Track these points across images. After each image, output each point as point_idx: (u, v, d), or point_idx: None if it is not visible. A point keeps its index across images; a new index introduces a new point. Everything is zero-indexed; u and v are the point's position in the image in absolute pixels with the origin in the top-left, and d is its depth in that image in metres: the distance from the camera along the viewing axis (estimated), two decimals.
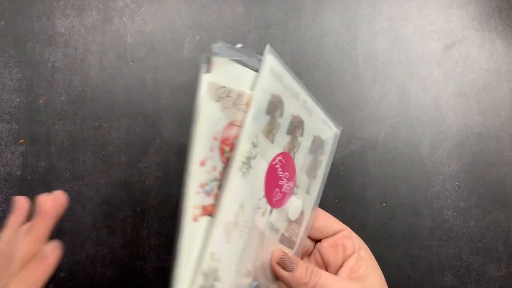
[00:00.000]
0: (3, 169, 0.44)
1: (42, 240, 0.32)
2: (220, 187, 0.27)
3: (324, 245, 0.34)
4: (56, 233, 0.44)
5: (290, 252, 0.31)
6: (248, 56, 0.28)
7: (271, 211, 0.30)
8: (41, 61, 0.46)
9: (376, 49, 0.46)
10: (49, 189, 0.44)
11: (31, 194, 0.44)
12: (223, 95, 0.28)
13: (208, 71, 0.27)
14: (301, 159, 0.32)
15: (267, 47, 0.29)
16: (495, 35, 0.46)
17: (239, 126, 0.28)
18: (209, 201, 0.27)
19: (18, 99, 0.45)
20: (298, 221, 0.32)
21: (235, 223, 0.27)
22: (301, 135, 0.32)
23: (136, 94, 0.45)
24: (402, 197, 0.44)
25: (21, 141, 0.45)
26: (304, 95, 0.32)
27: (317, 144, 0.33)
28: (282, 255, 0.30)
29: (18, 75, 0.46)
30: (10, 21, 0.46)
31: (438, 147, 0.45)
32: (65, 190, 0.44)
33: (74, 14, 0.46)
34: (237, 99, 0.28)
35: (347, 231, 0.35)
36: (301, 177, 0.32)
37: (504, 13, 0.46)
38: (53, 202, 0.31)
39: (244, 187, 0.28)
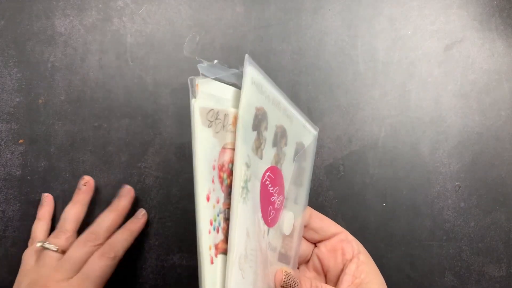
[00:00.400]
0: (2, 169, 0.44)
1: (123, 214, 0.41)
2: (225, 219, 0.25)
3: (322, 250, 0.34)
4: None
5: (291, 271, 0.29)
6: (226, 72, 0.27)
7: (268, 231, 0.28)
8: (41, 61, 0.46)
9: (376, 49, 0.46)
10: (49, 189, 0.44)
11: (31, 194, 0.44)
12: (213, 118, 0.25)
13: (194, 94, 0.25)
14: (287, 169, 0.30)
15: (246, 57, 0.27)
16: (496, 35, 0.46)
17: (231, 148, 0.26)
18: (219, 237, 0.25)
19: (17, 99, 0.45)
20: (290, 234, 0.30)
21: (246, 255, 0.25)
22: (286, 144, 0.30)
23: (136, 94, 0.45)
24: (402, 197, 0.44)
25: (21, 141, 0.45)
26: (284, 102, 0.29)
27: (298, 151, 0.31)
28: (286, 277, 0.28)
29: (18, 75, 0.45)
30: (10, 21, 0.46)
31: (438, 147, 0.44)
32: (65, 190, 0.44)
33: (74, 14, 0.46)
34: (224, 120, 0.26)
35: (344, 234, 0.34)
36: (289, 188, 0.30)
37: (504, 13, 0.46)
38: (130, 191, 0.42)
39: (247, 214, 0.26)
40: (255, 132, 0.27)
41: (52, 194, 0.44)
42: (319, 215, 0.34)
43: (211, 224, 0.24)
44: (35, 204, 0.44)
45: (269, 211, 0.28)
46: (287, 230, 0.30)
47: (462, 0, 0.46)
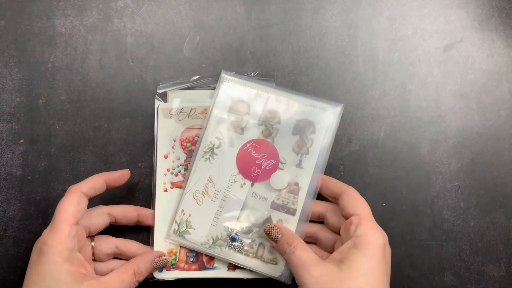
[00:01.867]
0: (3, 169, 0.44)
1: None
2: (185, 170, 0.43)
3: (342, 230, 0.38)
4: None
5: (278, 225, 0.40)
6: (197, 83, 0.44)
7: (252, 184, 0.42)
8: (41, 61, 0.46)
9: (376, 49, 0.46)
10: (49, 189, 0.44)
11: (32, 194, 0.44)
12: (175, 112, 0.43)
13: (164, 101, 0.44)
14: (283, 141, 0.42)
15: (222, 73, 0.43)
16: (495, 35, 0.46)
17: (198, 128, 0.43)
18: (178, 179, 0.43)
19: (18, 99, 0.45)
20: (293, 191, 0.41)
21: (204, 192, 0.42)
22: (278, 123, 0.42)
23: (137, 94, 0.45)
24: (402, 197, 0.44)
25: (21, 141, 0.45)
26: (274, 92, 0.43)
27: (302, 126, 0.42)
28: (266, 228, 0.39)
29: (18, 75, 0.46)
30: (10, 21, 0.46)
31: (438, 147, 0.45)
32: (65, 190, 0.44)
33: (74, 14, 0.46)
34: (190, 112, 0.43)
35: (347, 192, 0.39)
36: (286, 155, 0.42)
37: (504, 13, 0.46)
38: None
39: (210, 168, 0.42)
40: (233, 115, 0.43)
41: (52, 194, 0.44)
42: (329, 178, 0.41)
43: (167, 170, 0.43)
44: (36, 204, 0.44)
45: (252, 170, 0.42)
46: (275, 185, 0.41)
47: (461, 1, 0.46)
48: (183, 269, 0.42)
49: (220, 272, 0.42)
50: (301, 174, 0.41)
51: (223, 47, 0.46)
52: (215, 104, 0.42)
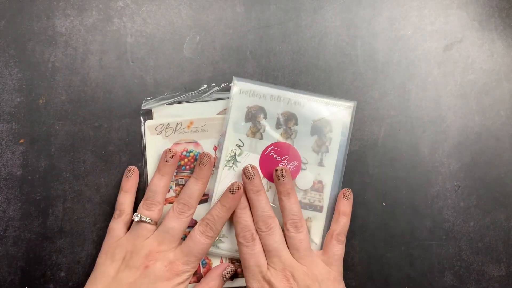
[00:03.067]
0: (3, 168, 0.44)
1: (207, 181, 0.43)
2: (177, 184, 0.44)
3: None
4: (57, 233, 0.44)
5: (252, 165, 0.42)
6: (181, 98, 0.45)
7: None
8: (41, 61, 0.46)
9: (376, 49, 0.46)
10: (49, 189, 0.44)
11: (32, 193, 0.44)
12: (161, 129, 0.44)
13: (150, 118, 0.44)
14: (302, 142, 0.43)
15: (233, 79, 0.44)
16: (495, 35, 0.46)
17: (185, 143, 0.44)
18: (170, 194, 0.44)
19: (18, 99, 0.45)
20: (318, 189, 0.43)
21: None
22: (296, 124, 0.43)
23: (136, 94, 0.45)
24: (402, 197, 0.44)
25: (21, 141, 0.45)
26: (288, 94, 0.44)
27: (319, 126, 0.43)
28: (244, 168, 0.42)
29: (18, 75, 0.46)
30: (11, 21, 0.46)
31: (438, 147, 0.45)
32: (65, 190, 0.44)
33: (74, 14, 0.46)
34: (176, 127, 0.44)
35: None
36: (307, 155, 0.43)
37: (504, 13, 0.46)
38: (210, 157, 0.43)
39: (234, 175, 0.43)
40: (250, 123, 0.43)
41: (52, 194, 0.44)
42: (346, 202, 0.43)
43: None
44: (36, 203, 0.44)
45: None
46: (303, 185, 0.43)
47: (461, 1, 0.46)
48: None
49: None
50: (323, 172, 0.43)
51: (223, 47, 0.46)
52: (231, 112, 0.43)
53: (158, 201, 0.41)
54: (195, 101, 0.45)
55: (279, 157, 0.43)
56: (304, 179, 0.43)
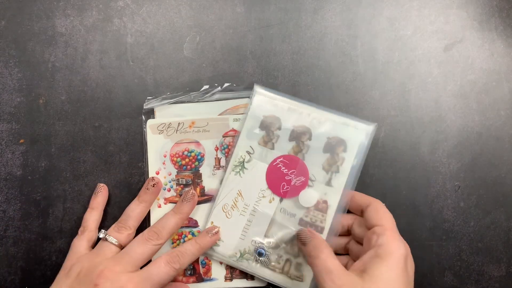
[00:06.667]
0: (3, 169, 0.44)
1: (186, 218, 0.42)
2: (178, 184, 0.44)
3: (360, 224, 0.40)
4: (57, 233, 0.44)
5: (310, 230, 0.39)
6: (183, 98, 0.45)
7: (280, 200, 0.42)
8: (42, 61, 0.46)
9: (376, 49, 0.46)
10: (49, 189, 0.44)
11: (32, 194, 0.44)
12: (163, 128, 0.44)
13: (152, 117, 0.45)
14: (313, 158, 0.42)
15: (255, 87, 0.43)
16: (495, 35, 0.46)
17: (187, 143, 0.44)
18: (170, 194, 0.44)
19: (18, 99, 0.45)
20: (321, 209, 0.41)
21: (233, 206, 0.42)
22: (309, 139, 0.42)
23: (137, 94, 0.45)
24: (402, 197, 0.44)
25: (22, 141, 0.45)
26: (307, 109, 0.43)
27: (333, 144, 0.42)
28: (299, 231, 0.39)
29: (19, 75, 0.46)
30: (11, 21, 0.46)
31: (438, 147, 0.45)
32: (65, 190, 0.44)
33: (74, 14, 0.46)
34: (178, 127, 0.44)
35: (374, 205, 0.39)
36: (316, 172, 0.42)
37: (504, 13, 0.46)
38: (194, 196, 0.42)
39: (240, 182, 0.42)
40: (263, 131, 0.43)
41: (52, 194, 0.44)
42: (356, 192, 0.41)
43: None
44: (36, 203, 0.44)
45: (281, 186, 0.42)
46: (305, 203, 0.41)
47: (461, 0, 0.46)
48: (181, 281, 0.43)
49: (217, 283, 0.42)
50: (330, 192, 0.41)
51: (223, 47, 0.46)
52: (247, 119, 0.43)
53: (129, 226, 0.41)
54: (197, 101, 0.45)
55: (286, 170, 0.42)
56: (308, 196, 0.41)
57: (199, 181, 0.44)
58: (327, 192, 0.41)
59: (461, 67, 0.45)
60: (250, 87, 0.45)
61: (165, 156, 0.44)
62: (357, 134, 0.41)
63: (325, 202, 0.41)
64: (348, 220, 0.41)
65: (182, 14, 0.47)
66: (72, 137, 0.45)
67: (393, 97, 0.45)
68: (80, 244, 0.40)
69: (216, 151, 0.44)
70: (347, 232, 0.41)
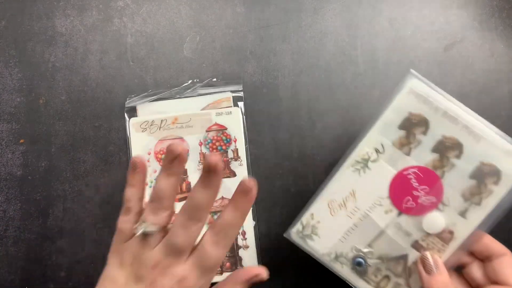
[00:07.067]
0: (3, 168, 0.44)
1: (218, 191, 0.34)
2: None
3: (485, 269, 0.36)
4: (57, 233, 0.44)
5: (438, 260, 0.35)
6: (164, 95, 0.44)
7: (399, 214, 0.36)
8: (42, 61, 0.46)
9: (376, 49, 0.46)
10: (49, 189, 0.44)
11: (32, 193, 0.44)
12: (146, 126, 0.44)
13: (135, 116, 0.44)
14: (454, 180, 0.35)
15: (410, 72, 0.35)
16: (495, 35, 0.46)
17: (171, 139, 0.44)
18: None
19: (18, 99, 0.45)
20: (443, 238, 0.35)
21: (341, 204, 0.37)
22: (457, 157, 0.35)
23: (137, 94, 0.45)
24: None
25: (22, 141, 0.45)
26: (467, 119, 0.35)
27: (485, 171, 0.34)
28: (424, 256, 0.35)
29: (19, 75, 0.46)
30: (11, 21, 0.46)
31: None
32: (65, 190, 0.44)
33: (74, 14, 0.46)
34: (161, 124, 0.44)
35: (510, 257, 0.35)
36: (452, 197, 0.35)
37: (504, 13, 0.46)
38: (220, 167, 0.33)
39: (357, 181, 0.37)
40: (403, 131, 0.36)
41: (52, 194, 0.44)
42: (488, 236, 0.36)
43: (146, 184, 0.36)
44: (36, 203, 0.44)
45: (405, 199, 0.36)
46: (428, 228, 0.35)
47: (461, 1, 0.46)
48: None
49: None
50: (461, 224, 0.35)
51: (223, 47, 0.46)
52: (388, 110, 0.36)
53: (166, 207, 0.35)
54: (179, 97, 0.45)
55: (417, 184, 0.35)
56: (435, 221, 0.35)
57: (184, 176, 0.44)
58: (457, 223, 0.35)
59: (461, 67, 0.45)
60: (231, 82, 0.45)
61: (149, 154, 0.44)
62: None
63: (451, 232, 0.35)
64: (466, 258, 0.37)
65: (182, 14, 0.47)
66: (72, 137, 0.45)
67: None
68: (126, 227, 0.35)
69: (200, 146, 0.44)
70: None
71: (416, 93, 0.35)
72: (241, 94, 0.45)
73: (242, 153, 0.44)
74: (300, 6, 0.46)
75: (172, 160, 0.34)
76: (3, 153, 0.45)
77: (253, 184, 0.33)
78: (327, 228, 0.37)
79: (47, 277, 0.43)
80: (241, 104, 0.45)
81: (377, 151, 0.36)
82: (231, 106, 0.45)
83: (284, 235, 0.39)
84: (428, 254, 0.35)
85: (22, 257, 0.44)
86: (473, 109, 0.45)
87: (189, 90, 0.45)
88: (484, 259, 0.36)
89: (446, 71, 0.45)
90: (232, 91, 0.45)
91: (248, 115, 0.45)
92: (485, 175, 0.34)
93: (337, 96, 0.45)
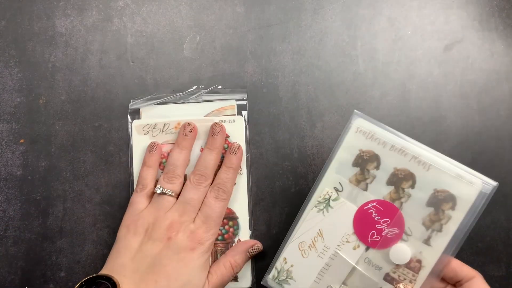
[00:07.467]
0: (3, 168, 0.44)
1: (221, 151, 0.43)
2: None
3: None
4: (57, 233, 0.44)
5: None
6: (168, 99, 0.45)
7: (367, 249, 0.37)
8: (42, 61, 0.46)
9: (376, 49, 0.46)
10: (49, 189, 0.44)
11: (32, 193, 0.44)
12: (149, 128, 0.44)
13: (138, 118, 0.44)
14: (412, 210, 0.36)
15: (355, 113, 0.37)
16: (495, 35, 0.46)
17: (172, 143, 0.44)
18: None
19: (18, 99, 0.45)
20: (413, 268, 0.36)
21: (311, 245, 0.38)
22: (411, 187, 0.36)
23: (136, 94, 0.45)
24: None
25: (22, 141, 0.45)
26: (414, 150, 0.36)
27: (440, 198, 0.35)
28: (397, 287, 0.35)
29: (19, 75, 0.46)
30: (11, 21, 0.46)
31: (438, 147, 0.44)
32: (65, 190, 0.44)
33: (74, 14, 0.46)
34: (164, 127, 0.44)
35: (477, 279, 0.36)
36: (413, 226, 0.36)
37: (504, 13, 0.46)
38: (222, 127, 0.43)
39: (322, 220, 0.38)
40: (357, 168, 0.37)
41: (53, 194, 0.44)
42: (455, 260, 0.36)
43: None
44: (36, 203, 0.44)
45: (370, 234, 0.37)
46: (395, 259, 0.36)
47: (461, 0, 0.46)
48: None
49: None
50: (426, 252, 0.35)
51: (223, 47, 0.46)
52: (339, 150, 0.38)
53: (179, 174, 0.42)
54: (183, 102, 0.45)
55: (379, 218, 0.36)
56: (401, 252, 0.36)
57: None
58: (422, 251, 0.35)
59: (461, 67, 0.45)
60: (236, 90, 0.45)
61: None
62: (471, 192, 0.35)
63: (419, 261, 0.36)
64: (438, 284, 0.38)
65: (182, 14, 0.47)
66: (72, 137, 0.45)
67: (393, 97, 0.45)
68: (140, 200, 0.42)
69: (202, 152, 0.43)
70: None
71: (363, 131, 0.37)
72: (245, 102, 0.45)
73: (243, 162, 0.44)
74: (300, 6, 0.46)
75: (188, 132, 0.43)
76: (3, 153, 0.45)
77: (239, 145, 0.43)
78: (301, 270, 0.38)
79: (47, 277, 0.44)
80: (245, 113, 0.45)
81: (336, 189, 0.38)
82: (234, 115, 0.45)
83: (262, 282, 0.40)
84: (401, 286, 0.35)
85: (22, 257, 0.44)
86: (473, 109, 0.45)
87: (194, 95, 0.45)
88: (456, 283, 0.37)
89: (446, 71, 0.45)
90: (237, 100, 0.45)
91: (248, 115, 0.45)
92: (440, 201, 0.35)
93: (337, 96, 0.45)
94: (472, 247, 0.43)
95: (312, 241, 0.38)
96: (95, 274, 0.36)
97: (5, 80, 0.45)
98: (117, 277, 0.36)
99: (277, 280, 0.39)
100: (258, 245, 0.42)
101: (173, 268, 0.38)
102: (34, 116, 0.45)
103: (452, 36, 0.46)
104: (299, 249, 0.38)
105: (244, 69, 0.46)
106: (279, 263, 0.39)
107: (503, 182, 0.44)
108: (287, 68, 0.46)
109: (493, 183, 0.35)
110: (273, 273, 0.39)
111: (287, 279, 0.39)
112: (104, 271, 0.38)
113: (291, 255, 0.39)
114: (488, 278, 0.43)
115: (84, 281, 0.35)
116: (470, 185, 0.35)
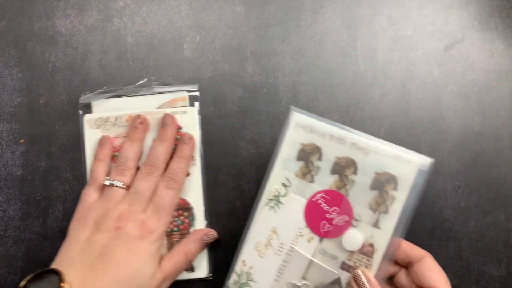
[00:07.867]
0: (3, 169, 0.44)
1: (173, 142, 0.43)
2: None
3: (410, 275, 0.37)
4: (57, 233, 0.44)
5: (370, 276, 0.35)
6: (120, 92, 0.44)
7: (320, 240, 0.37)
8: (42, 61, 0.46)
9: (376, 49, 0.46)
10: (49, 189, 0.44)
11: (32, 193, 0.44)
12: (101, 122, 0.43)
13: (89, 112, 0.44)
14: (358, 195, 0.37)
15: (292, 110, 0.38)
16: (495, 35, 0.46)
17: (124, 137, 0.43)
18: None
19: (18, 99, 0.45)
20: (366, 253, 0.36)
21: (267, 244, 0.38)
22: (354, 173, 0.37)
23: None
24: None
25: (22, 141, 0.45)
26: (351, 137, 0.37)
27: (382, 180, 0.36)
28: (355, 274, 0.36)
29: (19, 75, 0.46)
30: (11, 21, 0.46)
31: (438, 147, 0.45)
32: (65, 190, 0.44)
33: (74, 14, 0.46)
34: (116, 121, 0.43)
35: (428, 259, 0.36)
36: (361, 211, 0.37)
37: (504, 13, 0.46)
38: (173, 118, 0.43)
39: (274, 218, 0.38)
40: (302, 162, 0.38)
41: (53, 194, 0.44)
42: (406, 242, 0.37)
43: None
44: (36, 203, 0.44)
45: (322, 224, 0.37)
46: (349, 246, 0.36)
47: (462, 0, 0.46)
48: None
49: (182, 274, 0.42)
50: (377, 235, 0.36)
51: (223, 47, 0.46)
52: (282, 146, 0.39)
53: (130, 167, 0.42)
54: (134, 95, 0.45)
55: (328, 207, 0.37)
56: (353, 238, 0.36)
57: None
58: (373, 235, 0.36)
59: (461, 67, 0.45)
60: (187, 82, 0.45)
61: None
62: (410, 171, 0.36)
63: (371, 245, 0.36)
64: (392, 267, 0.38)
65: (182, 14, 0.47)
66: (72, 137, 0.45)
67: (393, 97, 0.45)
68: (91, 193, 0.41)
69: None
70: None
71: (302, 125, 0.38)
72: (197, 93, 0.45)
73: (196, 153, 0.44)
74: (300, 6, 0.46)
75: (138, 124, 0.42)
76: (3, 153, 0.45)
77: (191, 135, 0.43)
78: (260, 271, 0.38)
79: None
80: (197, 104, 0.45)
81: (284, 185, 0.38)
82: (186, 106, 0.45)
83: None
84: (359, 271, 0.36)
85: (22, 257, 0.44)
86: (473, 109, 0.45)
87: (145, 88, 0.44)
88: (407, 265, 0.37)
89: (445, 71, 0.45)
90: (188, 91, 0.45)
91: (248, 115, 0.45)
92: (383, 183, 0.36)
93: (337, 96, 0.45)
94: (472, 247, 0.43)
95: (268, 239, 0.38)
96: (41, 269, 0.35)
97: (5, 80, 0.45)
98: (65, 270, 0.35)
99: (238, 284, 0.39)
100: (212, 233, 0.42)
101: (123, 257, 0.37)
102: (34, 116, 0.45)
103: (452, 36, 0.46)
104: (256, 249, 0.39)
105: (244, 69, 0.46)
106: (238, 267, 0.39)
107: (503, 182, 0.44)
108: (287, 68, 0.46)
109: (429, 160, 0.36)
110: (233, 277, 0.39)
111: (248, 281, 0.39)
112: (53, 265, 0.37)
113: (249, 256, 0.39)
114: (488, 278, 0.43)
115: (31, 277, 0.34)
116: (409, 165, 0.36)
